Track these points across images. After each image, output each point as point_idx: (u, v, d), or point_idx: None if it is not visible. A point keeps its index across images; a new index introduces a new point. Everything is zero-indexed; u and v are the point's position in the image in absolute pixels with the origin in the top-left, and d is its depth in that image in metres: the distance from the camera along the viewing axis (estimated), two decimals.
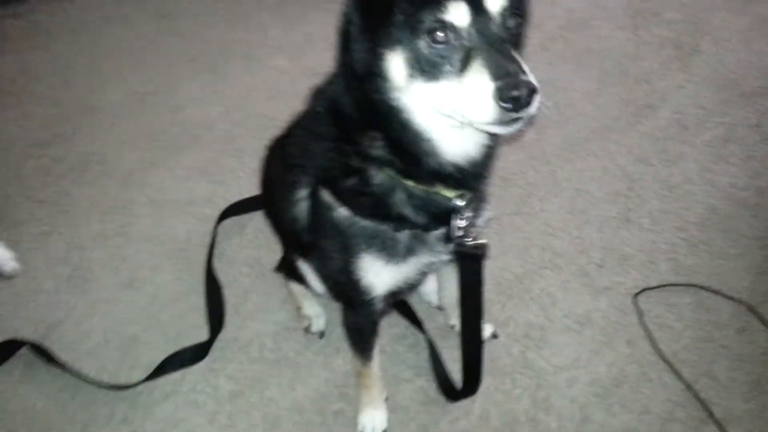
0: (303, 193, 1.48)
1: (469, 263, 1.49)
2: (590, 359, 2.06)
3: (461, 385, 1.85)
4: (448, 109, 1.15)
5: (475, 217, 1.44)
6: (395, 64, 1.15)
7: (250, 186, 2.49)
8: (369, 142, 1.29)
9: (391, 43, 1.13)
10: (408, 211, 1.35)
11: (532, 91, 1.06)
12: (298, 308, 2.16)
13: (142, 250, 2.45)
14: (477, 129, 1.19)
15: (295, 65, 3.34)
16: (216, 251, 2.37)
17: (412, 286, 1.55)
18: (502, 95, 1.05)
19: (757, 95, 2.97)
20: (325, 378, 2.03)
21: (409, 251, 1.41)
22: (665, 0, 3.61)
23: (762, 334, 2.07)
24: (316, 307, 2.14)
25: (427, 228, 1.39)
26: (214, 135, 2.88)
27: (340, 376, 2.03)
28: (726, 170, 2.66)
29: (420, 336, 2.08)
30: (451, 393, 1.91)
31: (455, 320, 2.10)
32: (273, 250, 2.26)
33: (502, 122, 1.09)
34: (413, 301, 2.14)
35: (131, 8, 3.80)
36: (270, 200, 1.82)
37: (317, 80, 1.43)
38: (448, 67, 1.12)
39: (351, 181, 1.35)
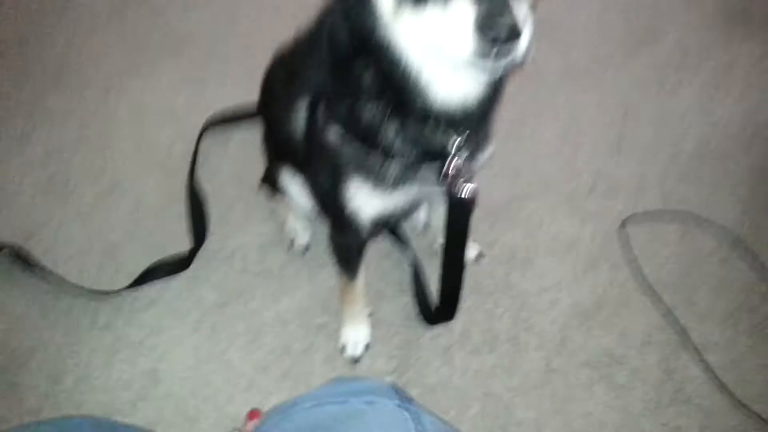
0: (302, 104, 1.42)
1: (458, 206, 1.44)
2: (573, 282, 2.07)
3: (437, 310, 1.85)
4: (434, 43, 1.06)
5: (472, 158, 1.37)
6: None
7: (235, 94, 2.40)
8: (359, 72, 1.22)
9: None
10: (398, 144, 1.29)
11: (514, 26, 0.95)
12: (283, 223, 2.13)
13: (123, 157, 2.38)
14: (462, 66, 1.09)
15: None
16: (200, 162, 2.31)
17: (403, 215, 1.51)
18: (481, 24, 0.96)
19: (764, 24, 2.89)
20: (309, 291, 2.03)
21: (399, 181, 1.35)
22: None
23: (745, 264, 2.09)
24: (301, 222, 2.11)
25: (417, 163, 1.32)
26: (198, 41, 2.75)
27: (324, 290, 2.03)
28: (723, 101, 2.61)
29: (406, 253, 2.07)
30: (429, 316, 1.92)
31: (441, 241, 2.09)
32: (258, 162, 2.20)
33: (483, 56, 0.99)
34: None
35: None
36: (269, 107, 1.76)
37: None
38: None
39: (344, 104, 1.29)
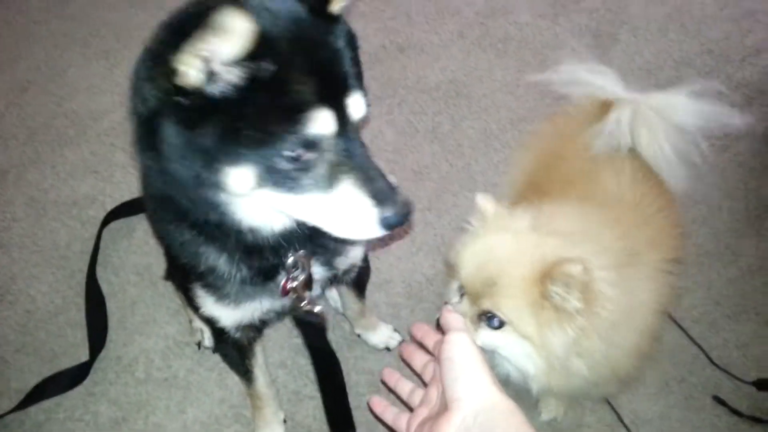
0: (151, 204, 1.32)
1: (309, 327, 1.37)
2: None
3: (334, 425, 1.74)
4: (307, 218, 1.05)
5: (327, 266, 1.33)
6: (238, 177, 0.97)
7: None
8: (175, 208, 1.13)
9: (235, 159, 0.95)
10: (221, 265, 1.20)
11: (412, 208, 1.03)
12: (190, 320, 1.98)
13: (17, 258, 2.20)
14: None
15: None
16: (101, 258, 2.16)
17: (271, 322, 1.41)
18: (388, 221, 1.01)
19: (671, 85, 2.95)
20: (219, 398, 1.87)
21: (243, 296, 1.26)
22: None
23: (672, 332, 2.04)
24: None
25: (255, 280, 1.23)
26: (103, 127, 2.62)
27: (235, 395, 1.87)
28: None
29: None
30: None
31: (360, 330, 1.98)
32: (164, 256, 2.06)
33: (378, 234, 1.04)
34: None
35: None
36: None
37: None
38: (309, 181, 0.99)
39: (164, 221, 1.21)
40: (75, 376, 1.86)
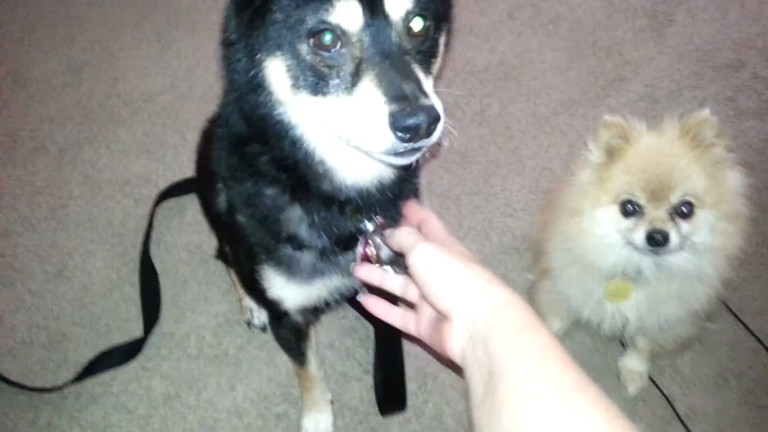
0: (221, 185, 1.32)
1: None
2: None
3: (384, 402, 1.73)
4: (337, 130, 0.97)
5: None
6: (276, 72, 0.97)
7: (192, 164, 2.30)
8: (256, 157, 1.12)
9: (270, 47, 0.95)
10: (303, 232, 1.17)
11: (435, 118, 0.89)
12: (240, 299, 2.01)
13: (73, 235, 2.26)
14: (370, 157, 1.01)
15: None
16: (154, 236, 2.20)
17: (333, 303, 1.38)
18: (397, 123, 0.88)
19: (731, 68, 2.84)
20: (268, 376, 1.90)
21: (315, 272, 1.24)
22: None
23: (730, 326, 1.97)
24: None
25: (328, 252, 1.20)
26: (155, 108, 2.66)
27: (284, 375, 1.89)
28: None
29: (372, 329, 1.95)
30: (382, 406, 1.79)
31: None
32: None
33: (396, 153, 0.92)
34: None
35: None
36: (199, 184, 1.66)
37: None
38: (336, 80, 0.93)
39: (244, 190, 1.18)
40: (129, 350, 1.91)
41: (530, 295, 1.93)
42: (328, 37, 0.92)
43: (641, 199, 1.43)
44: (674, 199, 1.41)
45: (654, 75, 2.83)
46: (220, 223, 1.47)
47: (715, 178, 1.44)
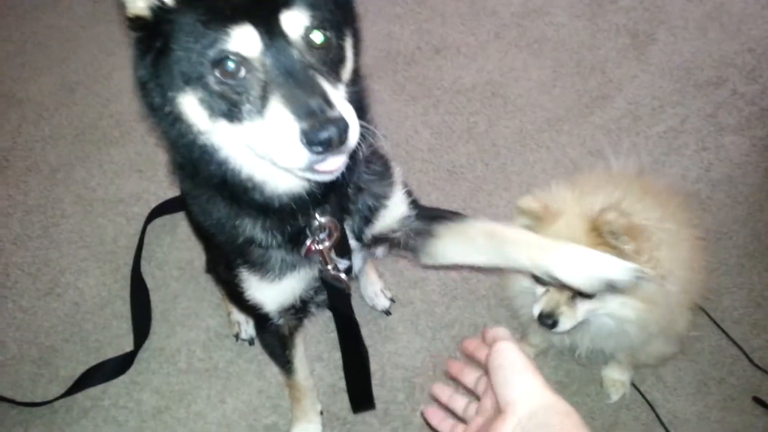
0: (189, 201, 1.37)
1: (335, 291, 1.36)
2: (539, 363, 1.98)
3: (353, 400, 1.74)
4: (259, 152, 1.01)
5: (364, 225, 1.33)
6: (190, 105, 1.00)
7: None
8: (193, 177, 1.18)
9: (179, 84, 0.99)
10: (258, 234, 1.23)
11: (345, 128, 0.92)
12: (229, 313, 2.03)
13: (65, 252, 2.29)
14: (295, 176, 1.05)
15: None
16: (145, 253, 2.23)
17: (312, 304, 1.43)
18: (308, 138, 0.91)
19: (711, 85, 2.91)
20: (258, 388, 1.92)
21: (286, 268, 1.29)
22: None
23: (711, 334, 2.01)
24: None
25: (291, 248, 1.26)
26: (146, 128, 2.70)
27: (273, 387, 1.91)
28: (679, 162, 2.59)
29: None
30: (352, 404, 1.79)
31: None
32: None
33: (316, 169, 0.96)
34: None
35: None
36: (182, 203, 1.70)
37: None
38: (247, 105, 0.97)
39: (201, 204, 1.25)
40: (120, 365, 1.93)
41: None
42: (231, 65, 0.95)
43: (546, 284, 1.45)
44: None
45: (637, 92, 2.90)
46: (199, 234, 1.53)
47: None
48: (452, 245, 1.31)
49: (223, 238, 1.27)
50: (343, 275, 1.32)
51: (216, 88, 0.97)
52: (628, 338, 1.54)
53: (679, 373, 1.93)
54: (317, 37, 1.00)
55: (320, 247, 1.24)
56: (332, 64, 1.03)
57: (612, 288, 1.12)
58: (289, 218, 1.20)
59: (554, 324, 1.44)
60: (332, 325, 2.00)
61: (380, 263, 2.18)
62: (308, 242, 1.23)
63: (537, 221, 1.45)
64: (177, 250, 2.27)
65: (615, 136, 2.71)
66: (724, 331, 1.97)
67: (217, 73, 0.96)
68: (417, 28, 3.10)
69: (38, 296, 2.15)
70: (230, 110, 0.97)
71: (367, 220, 1.32)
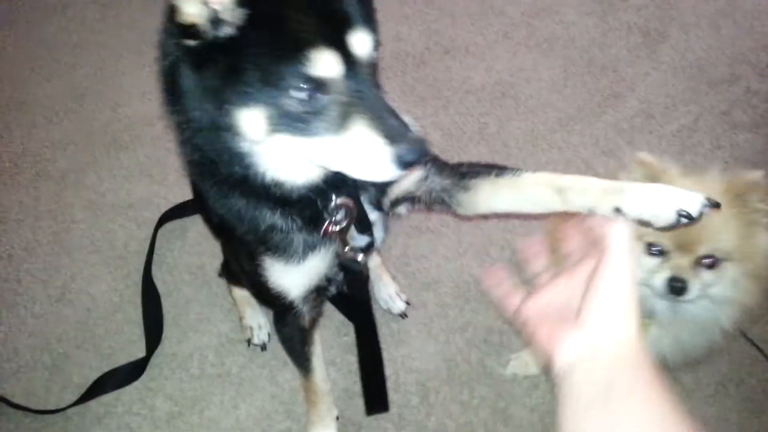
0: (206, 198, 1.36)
1: (353, 275, 1.38)
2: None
3: (366, 400, 1.74)
4: (324, 162, 1.05)
5: (350, 225, 1.32)
6: (252, 120, 1.00)
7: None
8: (211, 175, 1.17)
9: (245, 100, 0.98)
10: (278, 221, 1.23)
11: (425, 144, 1.00)
12: (241, 318, 2.02)
13: (76, 258, 2.28)
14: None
15: None
16: (156, 258, 2.22)
17: (335, 280, 1.43)
18: (402, 160, 0.98)
19: (725, 83, 2.88)
20: (271, 394, 1.90)
21: (308, 249, 1.29)
22: None
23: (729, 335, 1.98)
24: (259, 317, 2.01)
25: (311, 229, 1.26)
26: (156, 132, 2.70)
27: (286, 392, 1.90)
28: (693, 161, 2.56)
29: None
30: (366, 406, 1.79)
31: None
32: (217, 255, 2.11)
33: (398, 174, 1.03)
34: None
35: None
36: (197, 203, 1.69)
37: None
38: (322, 123, 0.99)
39: (219, 200, 1.23)
40: (132, 371, 1.92)
41: None
42: (310, 88, 0.96)
43: (667, 245, 1.40)
44: (701, 251, 1.38)
45: (649, 91, 2.87)
46: (217, 232, 1.52)
47: (747, 238, 1.39)
48: (494, 196, 1.26)
49: (245, 229, 1.26)
50: (360, 256, 1.32)
51: (290, 108, 0.97)
52: (714, 334, 1.52)
53: (697, 375, 1.90)
54: (375, 55, 1.04)
55: (337, 228, 1.25)
56: (377, 77, 1.08)
57: (686, 221, 1.02)
58: (307, 204, 1.22)
59: (682, 290, 1.38)
60: (345, 330, 2.00)
61: (392, 266, 2.16)
62: (326, 224, 1.24)
63: (652, 179, 1.38)
64: (188, 254, 2.26)
65: (627, 135, 2.69)
66: (742, 332, 1.94)
67: (294, 94, 0.96)
68: (426, 28, 3.08)
69: (50, 302, 2.15)
70: (299, 127, 0.99)
71: (383, 189, 1.31)
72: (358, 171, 1.02)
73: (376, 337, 1.56)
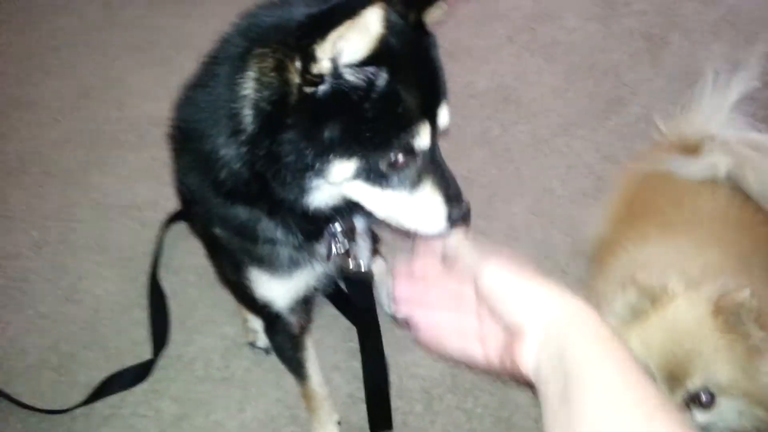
0: (196, 207, 1.40)
1: (357, 282, 1.46)
2: None
3: (370, 417, 1.76)
4: (385, 213, 1.15)
5: (352, 241, 1.39)
6: (342, 168, 1.07)
7: None
8: (236, 190, 1.19)
9: (347, 154, 1.05)
10: (278, 235, 1.27)
11: (469, 208, 1.16)
12: (245, 321, 2.04)
13: (83, 259, 2.30)
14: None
15: None
16: (162, 259, 2.23)
17: (317, 290, 1.47)
18: (453, 217, 1.12)
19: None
20: (276, 398, 1.93)
21: (294, 264, 1.33)
22: None
23: None
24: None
25: (304, 244, 1.31)
26: (162, 132, 2.69)
27: (291, 397, 1.92)
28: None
29: None
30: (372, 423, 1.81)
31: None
32: None
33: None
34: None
35: None
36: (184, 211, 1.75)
37: None
38: (398, 180, 1.10)
39: (219, 210, 1.26)
40: (139, 373, 1.93)
41: None
42: (407, 155, 1.08)
43: (656, 377, 1.23)
44: (692, 386, 1.21)
45: (651, 96, 2.89)
46: (204, 240, 1.56)
47: (747, 369, 1.21)
48: None
49: (238, 240, 1.30)
50: (362, 262, 1.40)
51: (382, 168, 1.07)
52: None
53: None
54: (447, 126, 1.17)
55: (341, 250, 1.34)
56: None
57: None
58: (315, 223, 1.28)
59: None
60: (350, 335, 2.02)
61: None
62: (327, 247, 1.33)
63: (649, 301, 1.27)
64: (194, 256, 2.27)
65: (629, 141, 2.71)
66: None
67: (392, 157, 1.07)
68: None
69: (57, 303, 2.16)
70: (377, 180, 1.09)
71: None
72: (415, 223, 1.14)
73: (381, 347, 1.60)
